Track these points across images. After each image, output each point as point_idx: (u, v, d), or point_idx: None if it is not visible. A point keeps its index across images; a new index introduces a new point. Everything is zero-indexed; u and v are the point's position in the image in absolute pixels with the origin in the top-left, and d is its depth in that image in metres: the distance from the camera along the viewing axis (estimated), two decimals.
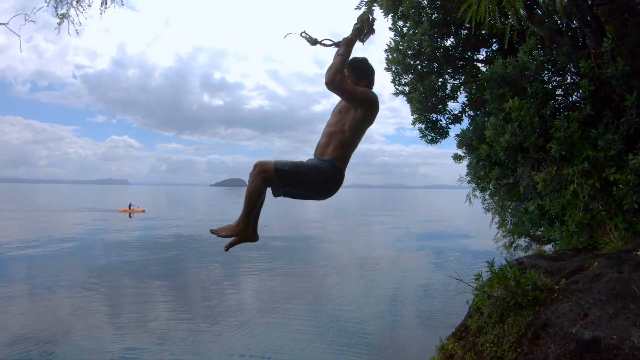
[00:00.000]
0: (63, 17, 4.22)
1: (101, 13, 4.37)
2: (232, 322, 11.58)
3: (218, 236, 2.99)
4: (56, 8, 4.22)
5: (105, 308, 13.08)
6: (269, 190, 2.97)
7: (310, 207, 70.08)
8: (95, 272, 17.54)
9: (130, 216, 45.42)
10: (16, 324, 11.21)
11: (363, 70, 3.09)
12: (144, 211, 49.94)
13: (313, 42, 3.19)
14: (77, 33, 4.34)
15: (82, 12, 4.31)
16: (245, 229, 2.98)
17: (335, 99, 3.06)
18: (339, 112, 3.05)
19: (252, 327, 11.40)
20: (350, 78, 2.98)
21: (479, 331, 4.77)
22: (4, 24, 4.01)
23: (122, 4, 4.70)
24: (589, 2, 5.02)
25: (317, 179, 2.90)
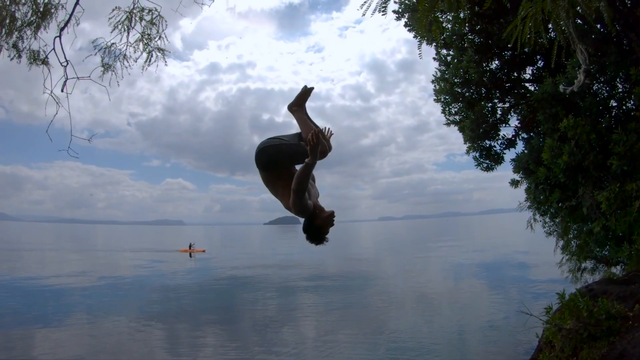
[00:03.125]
0: (108, 67, 4.57)
1: (143, 69, 4.69)
2: (289, 357, 11.54)
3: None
4: (102, 59, 4.56)
5: (167, 344, 13.45)
6: None
7: (364, 243, 69.42)
8: (154, 311, 18.18)
9: (191, 256, 46.37)
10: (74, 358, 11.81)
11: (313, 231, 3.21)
12: (204, 251, 50.86)
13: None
14: (118, 84, 4.71)
15: (127, 67, 4.64)
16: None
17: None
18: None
19: (309, 358, 11.31)
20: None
21: None
22: (88, 77, 4.42)
23: (166, 64, 4.92)
24: (629, 4, 4.82)
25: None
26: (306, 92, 3.39)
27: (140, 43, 4.61)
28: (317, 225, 3.14)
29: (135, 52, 4.62)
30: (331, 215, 3.11)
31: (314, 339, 13.35)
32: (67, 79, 4.30)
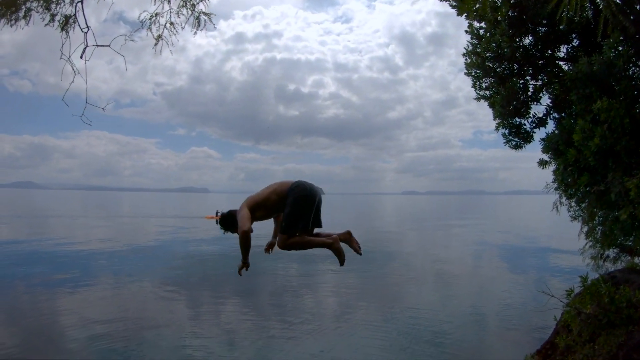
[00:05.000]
0: (159, 38, 4.63)
1: (194, 34, 4.80)
2: (306, 326, 11.81)
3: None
4: (151, 30, 4.63)
5: (187, 308, 13.95)
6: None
7: (387, 217, 69.42)
8: (179, 272, 18.81)
9: (217, 222, 47.32)
10: (101, 320, 12.34)
11: (230, 221, 4.02)
12: None
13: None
14: (171, 53, 4.83)
15: (175, 34, 4.71)
16: (337, 247, 4.04)
17: None
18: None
19: (325, 332, 11.54)
20: (238, 215, 3.92)
21: (568, 350, 4.51)
22: (107, 46, 4.47)
23: (215, 27, 5.09)
24: None
25: (301, 204, 3.90)
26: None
27: (184, 9, 4.68)
28: (231, 221, 3.94)
29: (178, 17, 4.71)
30: (241, 232, 3.72)
31: (332, 310, 13.63)
32: (86, 46, 4.35)
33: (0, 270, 18.01)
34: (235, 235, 3.88)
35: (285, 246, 3.85)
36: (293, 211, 3.85)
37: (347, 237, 4.07)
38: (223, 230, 4.07)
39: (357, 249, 4.07)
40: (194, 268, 20.56)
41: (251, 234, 3.82)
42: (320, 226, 4.22)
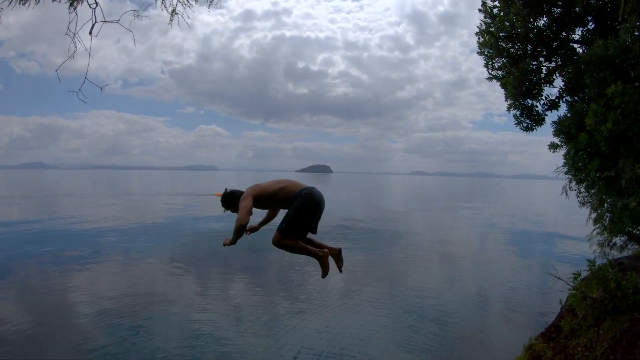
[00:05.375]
0: (174, 12, 4.59)
1: (208, 6, 4.76)
2: (312, 302, 12.01)
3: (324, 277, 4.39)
4: (164, 4, 4.58)
5: (195, 285, 14.19)
6: None
7: (394, 197, 69.42)
8: (186, 249, 19.09)
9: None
10: (110, 296, 12.61)
11: (231, 200, 4.36)
12: None
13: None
14: (189, 26, 4.75)
15: (189, 6, 4.66)
16: (324, 260, 4.20)
17: None
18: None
19: (331, 308, 11.73)
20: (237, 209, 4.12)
21: (572, 334, 4.55)
22: (116, 21, 4.43)
23: (223, 5, 5.04)
24: None
25: (305, 211, 4.07)
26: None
27: None
28: (233, 201, 4.19)
29: None
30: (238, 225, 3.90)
31: (337, 287, 13.80)
32: (95, 22, 4.31)
33: (12, 249, 18.35)
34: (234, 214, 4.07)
35: (278, 244, 4.01)
36: (297, 216, 4.03)
37: (336, 254, 4.31)
38: (224, 209, 4.32)
39: (339, 267, 4.40)
40: (202, 245, 20.87)
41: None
42: (314, 232, 4.40)
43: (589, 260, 4.62)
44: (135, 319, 10.60)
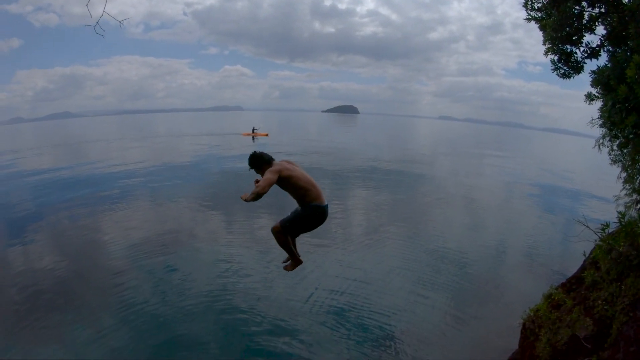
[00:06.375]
0: None
1: None
2: (335, 238, 12.37)
3: (287, 271, 4.97)
4: None
5: (220, 221, 14.61)
6: None
7: (421, 140, 68.42)
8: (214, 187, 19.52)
9: (254, 140, 47.34)
10: (139, 231, 13.34)
11: (259, 163, 4.45)
12: (267, 135, 51.96)
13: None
14: None
15: None
16: (298, 261, 4.80)
17: None
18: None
19: (354, 244, 12.06)
20: (262, 172, 4.39)
21: (593, 286, 4.61)
22: None
23: None
24: None
25: (309, 222, 4.55)
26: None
27: None
28: (260, 165, 4.41)
29: None
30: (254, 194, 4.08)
31: (361, 225, 14.04)
32: None
33: (45, 196, 19.05)
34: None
35: (274, 233, 4.46)
36: (301, 223, 4.54)
37: (299, 263, 4.87)
38: (248, 167, 4.50)
39: (289, 268, 4.89)
40: (228, 183, 21.38)
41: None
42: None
43: (619, 212, 4.50)
44: (165, 254, 11.29)
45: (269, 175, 4.25)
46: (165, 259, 10.85)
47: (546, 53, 6.79)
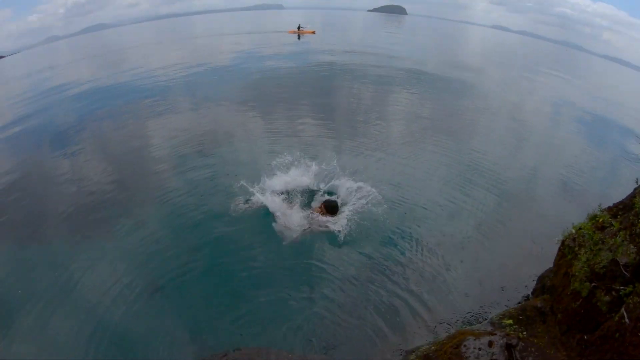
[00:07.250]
0: None
1: None
2: (372, 145, 12.66)
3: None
4: None
5: (263, 121, 14.93)
6: None
7: (470, 48, 64.03)
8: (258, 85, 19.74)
9: (299, 38, 45.66)
10: (182, 129, 13.88)
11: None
12: (314, 32, 49.96)
13: None
14: None
15: None
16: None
17: None
18: None
19: (390, 150, 12.40)
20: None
21: None
22: None
23: None
24: None
25: None
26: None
27: None
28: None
29: None
30: None
31: (399, 135, 14.01)
32: None
33: (87, 106, 19.29)
34: None
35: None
36: None
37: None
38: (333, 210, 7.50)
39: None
40: (269, 81, 21.23)
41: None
42: None
43: None
44: (203, 148, 12.05)
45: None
46: (202, 153, 11.75)
47: None
